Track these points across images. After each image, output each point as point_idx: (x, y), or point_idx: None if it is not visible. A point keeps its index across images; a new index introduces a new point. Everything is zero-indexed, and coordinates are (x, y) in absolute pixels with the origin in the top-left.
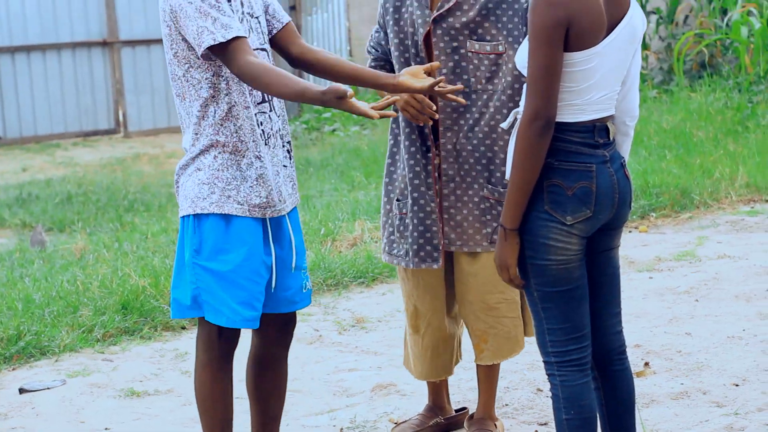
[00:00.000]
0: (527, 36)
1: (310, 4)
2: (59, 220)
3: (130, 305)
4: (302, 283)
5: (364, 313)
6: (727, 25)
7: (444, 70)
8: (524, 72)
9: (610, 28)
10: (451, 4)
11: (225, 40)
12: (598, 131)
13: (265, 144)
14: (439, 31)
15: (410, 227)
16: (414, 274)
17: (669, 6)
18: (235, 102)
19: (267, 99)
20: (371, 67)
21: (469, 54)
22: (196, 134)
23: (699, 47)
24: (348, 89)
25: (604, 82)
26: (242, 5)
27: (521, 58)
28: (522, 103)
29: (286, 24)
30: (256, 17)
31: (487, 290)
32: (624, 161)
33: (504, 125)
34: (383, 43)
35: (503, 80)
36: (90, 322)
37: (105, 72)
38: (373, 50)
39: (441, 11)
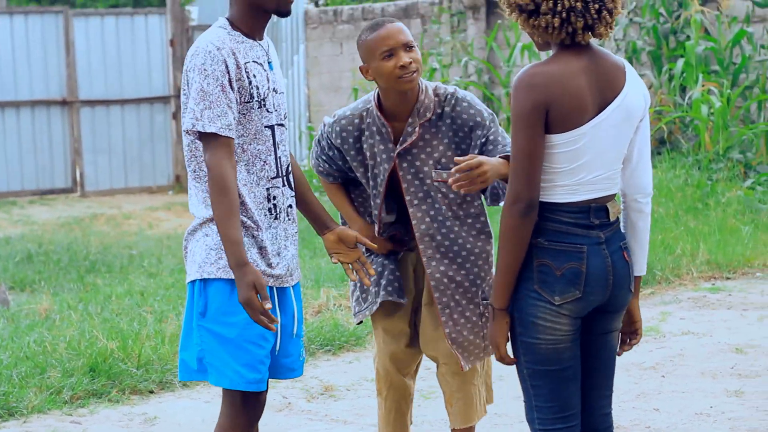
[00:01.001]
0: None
1: None
2: (20, 279)
3: (98, 368)
4: (300, 351)
5: (332, 380)
6: (687, 103)
7: (415, 201)
8: None
9: (601, 108)
10: (414, 137)
11: (203, 131)
12: (595, 212)
13: (275, 218)
14: (404, 164)
15: (380, 278)
16: (381, 325)
17: None
18: (244, 173)
19: (280, 174)
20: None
21: (436, 183)
22: (204, 201)
23: (659, 124)
24: (253, 294)
25: (598, 161)
26: (268, 80)
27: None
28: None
29: None
30: (280, 93)
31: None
32: (624, 244)
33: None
34: (339, 162)
35: (475, 202)
36: (58, 383)
37: (63, 131)
38: (325, 165)
39: (405, 145)
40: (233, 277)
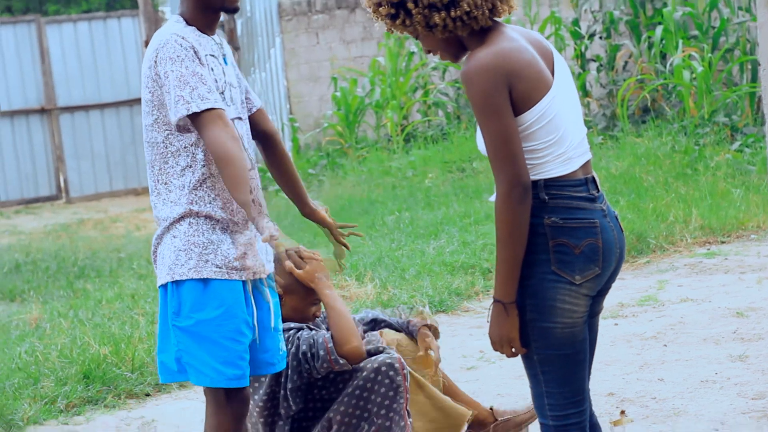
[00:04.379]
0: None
1: (249, 65)
2: (9, 290)
3: (92, 374)
4: (279, 345)
5: None
6: (669, 70)
7: None
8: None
9: (551, 68)
10: None
11: (199, 110)
12: (590, 183)
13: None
14: None
15: None
16: None
17: (609, 53)
18: (214, 172)
19: (252, 166)
20: None
21: None
22: (172, 202)
23: (643, 93)
24: (274, 243)
25: (574, 124)
26: (224, 74)
27: (480, 142)
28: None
29: (259, 108)
30: (236, 87)
31: None
32: (617, 215)
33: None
34: None
35: None
36: (52, 393)
37: (44, 138)
38: None
39: None
40: (204, 276)
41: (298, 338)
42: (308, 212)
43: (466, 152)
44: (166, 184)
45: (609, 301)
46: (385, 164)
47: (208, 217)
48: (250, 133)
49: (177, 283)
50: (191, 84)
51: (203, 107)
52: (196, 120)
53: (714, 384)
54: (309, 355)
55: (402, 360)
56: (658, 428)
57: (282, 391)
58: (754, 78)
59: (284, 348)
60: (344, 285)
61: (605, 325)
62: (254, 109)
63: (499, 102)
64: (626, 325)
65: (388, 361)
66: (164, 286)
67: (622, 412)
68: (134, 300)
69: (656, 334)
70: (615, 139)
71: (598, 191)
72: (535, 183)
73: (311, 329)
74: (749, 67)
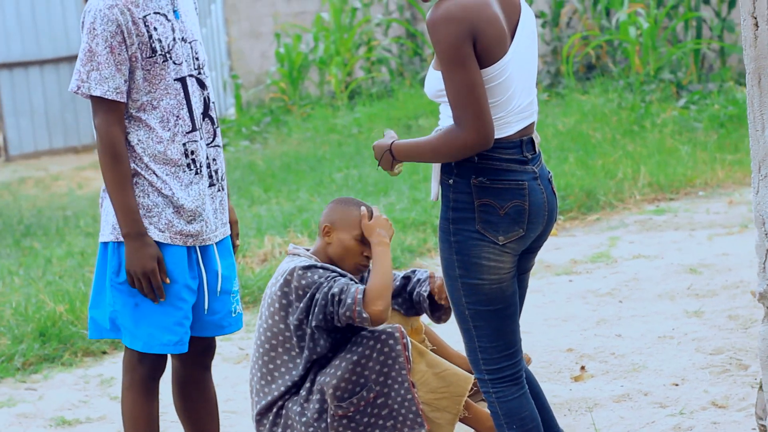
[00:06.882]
0: (433, 62)
1: None
2: None
3: (48, 332)
4: (231, 308)
5: None
6: (616, 27)
7: None
8: (437, 99)
9: (512, 33)
10: None
11: (88, 93)
12: (525, 145)
13: (197, 173)
14: None
15: None
16: None
17: (553, 9)
18: (159, 130)
19: (197, 127)
20: None
21: None
22: None
23: (587, 49)
24: (156, 267)
25: (523, 87)
26: (173, 31)
27: (430, 85)
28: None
29: None
30: (190, 42)
31: None
32: (551, 176)
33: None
34: None
35: None
36: (8, 351)
37: None
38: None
39: None
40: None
41: (335, 280)
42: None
43: (412, 109)
44: None
45: (562, 257)
46: (330, 121)
47: (153, 179)
48: (206, 93)
49: (119, 244)
50: (93, 63)
51: (94, 93)
52: (91, 101)
53: (672, 340)
54: (337, 299)
55: (402, 329)
56: (619, 383)
57: (309, 330)
58: (699, 35)
59: (239, 311)
60: (296, 241)
61: (559, 282)
62: None
63: (464, 53)
64: (580, 281)
65: (389, 329)
66: (105, 244)
67: (582, 368)
68: (84, 258)
69: (611, 290)
70: (560, 96)
71: (534, 153)
72: None
73: (352, 281)
74: (694, 23)
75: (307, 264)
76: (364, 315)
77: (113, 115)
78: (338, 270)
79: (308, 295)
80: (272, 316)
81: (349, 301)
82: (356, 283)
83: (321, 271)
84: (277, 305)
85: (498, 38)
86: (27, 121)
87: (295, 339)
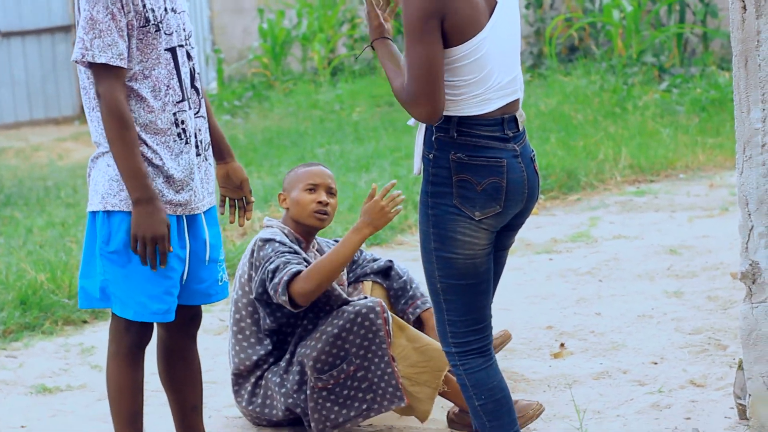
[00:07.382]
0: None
1: None
2: None
3: (29, 300)
4: (218, 276)
5: None
6: (599, 9)
7: None
8: None
9: (491, 9)
10: None
11: (93, 61)
12: (507, 123)
13: (186, 143)
14: None
15: None
16: None
17: None
18: (151, 100)
19: (186, 97)
20: None
21: None
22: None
23: (570, 31)
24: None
25: (502, 65)
26: (165, 1)
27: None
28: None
29: None
30: (179, 13)
31: None
32: (533, 155)
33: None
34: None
35: None
36: None
37: None
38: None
39: None
40: None
41: (280, 256)
42: (225, 170)
43: None
44: (97, 109)
45: (542, 236)
46: (313, 97)
47: (143, 148)
48: (192, 64)
49: (109, 213)
50: (95, 30)
51: (99, 60)
52: (93, 69)
53: (651, 319)
54: (270, 275)
55: (383, 304)
56: (598, 361)
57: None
58: (682, 19)
59: (225, 279)
60: (278, 216)
61: (539, 261)
62: None
63: (428, 28)
64: (560, 260)
65: (369, 304)
66: (94, 213)
67: (562, 345)
68: (65, 228)
69: (591, 269)
70: (543, 77)
71: (517, 131)
72: (449, 119)
73: (305, 261)
74: (677, 8)
75: (267, 236)
76: (283, 297)
77: (118, 82)
78: (294, 247)
79: (260, 268)
80: (242, 287)
81: (275, 280)
82: (303, 263)
83: (277, 245)
84: (246, 277)
85: (470, 17)
86: (8, 91)
87: (260, 309)
